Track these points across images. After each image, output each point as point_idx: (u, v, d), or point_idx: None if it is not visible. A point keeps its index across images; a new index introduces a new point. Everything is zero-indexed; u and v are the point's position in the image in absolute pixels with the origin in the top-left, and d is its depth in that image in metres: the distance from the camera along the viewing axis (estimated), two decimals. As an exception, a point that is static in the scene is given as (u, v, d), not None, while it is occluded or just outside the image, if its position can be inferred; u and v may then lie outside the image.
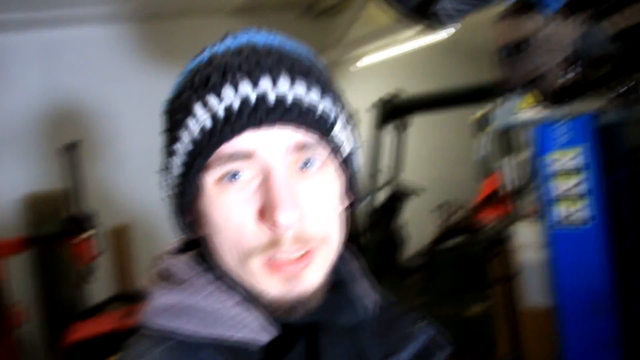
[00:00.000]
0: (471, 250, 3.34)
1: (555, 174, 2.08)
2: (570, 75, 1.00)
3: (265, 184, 0.55)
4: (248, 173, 0.56)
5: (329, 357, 0.57)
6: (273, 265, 0.56)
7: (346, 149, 0.62)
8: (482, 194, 4.39)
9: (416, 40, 5.41)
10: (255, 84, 0.54)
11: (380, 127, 4.28)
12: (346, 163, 0.62)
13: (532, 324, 2.45)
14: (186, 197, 0.60)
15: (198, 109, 0.55)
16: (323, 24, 6.35)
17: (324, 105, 0.58)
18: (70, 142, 3.76)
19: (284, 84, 0.55)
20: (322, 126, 0.57)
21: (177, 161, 0.59)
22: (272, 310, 0.58)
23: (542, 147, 2.08)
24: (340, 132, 0.60)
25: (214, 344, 0.58)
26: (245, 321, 0.58)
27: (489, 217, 4.22)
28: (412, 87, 5.89)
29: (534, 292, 2.38)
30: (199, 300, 0.59)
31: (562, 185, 2.06)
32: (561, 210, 2.10)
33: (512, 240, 2.45)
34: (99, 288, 3.76)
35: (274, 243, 0.55)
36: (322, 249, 0.59)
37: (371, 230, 4.27)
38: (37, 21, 4.37)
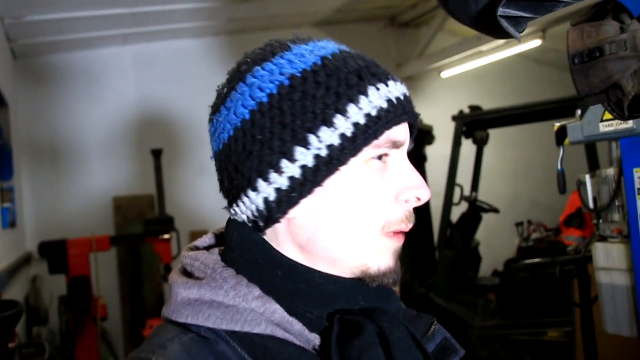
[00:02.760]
0: (550, 271, 3.16)
1: (643, 192, 1.93)
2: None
3: (404, 168, 0.63)
4: (391, 154, 0.63)
5: (395, 337, 0.59)
6: (397, 235, 0.63)
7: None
8: (565, 213, 4.16)
9: (502, 52, 5.26)
10: (401, 83, 0.64)
11: (459, 140, 4.17)
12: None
13: (613, 352, 2.27)
14: (323, 174, 0.59)
15: (372, 90, 0.60)
16: (406, 36, 6.33)
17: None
18: (155, 149, 3.99)
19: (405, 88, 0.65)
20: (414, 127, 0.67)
21: (332, 135, 0.58)
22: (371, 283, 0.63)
23: (629, 162, 1.95)
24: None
25: (234, 338, 0.59)
26: (265, 314, 0.58)
27: (572, 237, 3.99)
28: (498, 98, 5.72)
29: (617, 319, 2.21)
30: (219, 295, 0.60)
31: (650, 204, 1.91)
32: (649, 231, 1.94)
33: (595, 262, 2.29)
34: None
35: (407, 218, 0.63)
36: None
37: (446, 246, 4.16)
38: (133, 35, 4.70)
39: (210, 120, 0.67)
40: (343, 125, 0.58)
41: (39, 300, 3.78)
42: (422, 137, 4.45)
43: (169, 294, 0.66)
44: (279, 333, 0.59)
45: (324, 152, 0.58)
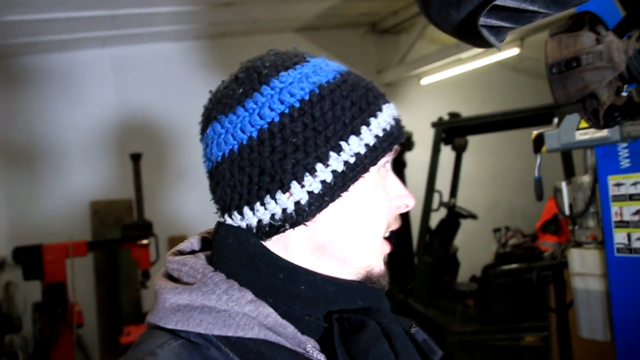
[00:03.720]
0: (527, 276, 3.21)
1: (617, 199, 1.98)
2: (622, 94, 0.96)
3: (393, 177, 0.72)
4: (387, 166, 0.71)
5: (396, 332, 0.61)
6: (387, 242, 0.71)
7: None
8: (542, 219, 4.23)
9: (481, 59, 5.34)
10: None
11: (438, 147, 4.21)
12: None
13: (588, 357, 2.31)
14: (350, 180, 0.64)
15: (386, 107, 0.68)
16: (387, 43, 6.39)
17: None
18: (134, 153, 3.94)
19: None
20: None
21: (359, 144, 0.64)
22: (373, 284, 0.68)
23: (603, 169, 1.99)
24: None
25: (226, 343, 0.59)
26: (258, 318, 0.59)
27: (548, 243, 4.05)
28: (477, 106, 5.79)
29: (592, 324, 2.25)
30: (212, 300, 0.59)
31: (624, 211, 1.96)
32: (623, 237, 1.99)
33: (570, 268, 2.34)
34: (155, 294, 3.90)
35: (396, 220, 0.71)
36: None
37: (425, 252, 4.19)
38: (113, 38, 4.65)
39: (215, 119, 0.66)
40: (368, 136, 0.64)
41: (12, 307, 3.69)
42: (402, 143, 4.48)
43: (153, 300, 0.64)
44: (272, 337, 0.59)
45: (352, 160, 0.63)
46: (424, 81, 6.12)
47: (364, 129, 0.64)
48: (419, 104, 6.13)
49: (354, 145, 0.63)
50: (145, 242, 3.66)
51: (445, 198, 4.44)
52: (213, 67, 5.03)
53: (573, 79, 1.14)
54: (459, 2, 0.74)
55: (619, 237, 2.03)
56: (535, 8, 0.75)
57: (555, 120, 1.99)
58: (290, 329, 0.59)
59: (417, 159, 4.74)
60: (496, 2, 0.72)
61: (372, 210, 0.66)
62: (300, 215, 0.62)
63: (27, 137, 4.47)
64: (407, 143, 4.52)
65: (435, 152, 4.21)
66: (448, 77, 5.93)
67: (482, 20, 0.79)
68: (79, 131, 4.64)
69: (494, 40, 0.85)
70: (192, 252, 0.70)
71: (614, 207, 2.01)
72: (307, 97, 0.62)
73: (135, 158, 3.94)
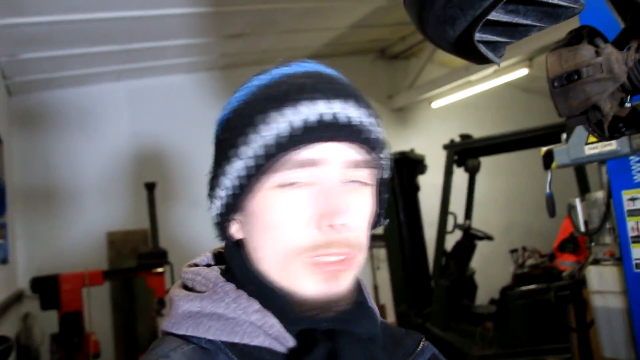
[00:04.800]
0: (546, 297, 3.15)
1: (633, 213, 1.95)
2: (626, 105, 0.96)
3: (325, 192, 0.62)
4: (307, 180, 0.62)
5: (346, 358, 0.59)
6: (318, 265, 0.61)
7: (384, 174, 0.69)
8: (559, 238, 4.17)
9: (491, 81, 5.36)
10: (329, 103, 0.61)
11: (450, 169, 4.20)
12: (381, 186, 0.69)
13: (612, 377, 2.24)
14: (241, 198, 0.63)
15: (274, 117, 0.61)
16: (396, 68, 6.45)
17: (378, 131, 0.66)
18: (148, 182, 3.99)
19: (351, 107, 0.63)
20: (376, 149, 0.65)
21: (240, 164, 0.62)
22: (304, 310, 0.61)
23: (617, 184, 1.97)
24: (385, 158, 0.67)
25: (233, 349, 0.61)
26: (264, 328, 0.61)
27: (567, 262, 3.98)
28: (488, 127, 5.78)
29: (614, 342, 2.19)
30: (221, 307, 0.62)
31: (640, 226, 1.92)
32: (640, 253, 1.95)
33: (589, 286, 2.29)
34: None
35: (324, 245, 0.61)
36: (358, 257, 0.64)
37: (441, 275, 4.14)
38: (127, 71, 4.76)
39: None
40: (249, 153, 0.62)
41: (31, 339, 3.71)
42: (414, 167, 4.48)
43: (169, 310, 0.66)
44: (276, 346, 0.61)
45: (237, 182, 0.63)
46: (435, 104, 6.15)
47: (253, 140, 0.62)
48: (430, 127, 6.14)
49: (238, 167, 0.63)
50: (160, 270, 3.68)
51: (460, 220, 4.40)
52: (225, 97, 4.99)
53: (575, 92, 1.14)
54: (453, 19, 0.75)
55: (637, 252, 1.99)
56: (528, 22, 0.76)
57: (564, 136, 1.99)
58: (291, 342, 0.61)
59: (431, 182, 4.72)
60: (490, 18, 0.73)
61: (270, 229, 0.63)
62: (219, 228, 0.68)
63: (44, 171, 4.56)
64: (419, 167, 4.52)
65: (448, 174, 4.19)
66: (458, 100, 5.95)
67: (478, 36, 0.80)
68: (95, 163, 4.72)
69: (492, 55, 0.86)
70: (207, 266, 0.72)
71: (630, 222, 1.98)
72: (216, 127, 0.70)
73: (150, 187, 3.99)
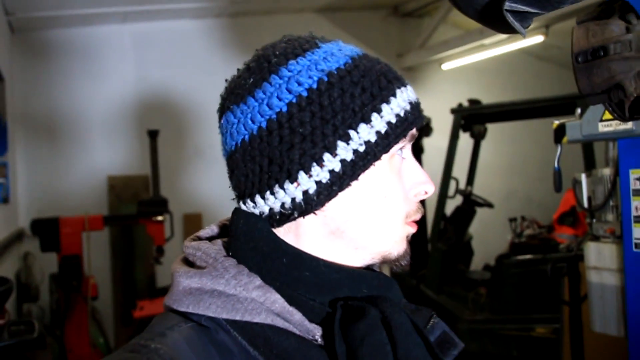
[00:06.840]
0: (541, 268, 3.18)
1: (638, 193, 1.93)
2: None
3: (413, 163, 0.69)
4: (408, 153, 0.69)
5: (397, 322, 0.60)
6: (413, 225, 0.69)
7: None
8: (558, 210, 4.18)
9: (504, 46, 5.24)
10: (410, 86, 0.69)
11: (456, 134, 4.16)
12: None
13: (600, 352, 2.29)
14: (363, 167, 0.62)
15: (400, 92, 0.65)
16: (408, 26, 6.30)
17: None
18: (151, 130, 3.96)
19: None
20: None
21: (367, 135, 0.62)
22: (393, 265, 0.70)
23: (626, 163, 1.94)
24: None
25: (235, 327, 0.60)
26: (266, 304, 0.59)
27: (565, 235, 4.00)
28: (498, 93, 5.70)
29: (605, 318, 2.22)
30: (221, 284, 0.61)
31: (644, 206, 1.91)
32: (641, 233, 1.95)
33: (586, 261, 2.30)
34: (169, 270, 3.95)
35: (418, 209, 0.69)
36: None
37: (439, 239, 4.17)
38: (133, 14, 4.64)
39: (229, 110, 0.66)
40: (379, 123, 0.62)
41: (30, 278, 3.77)
42: (420, 128, 4.43)
43: (168, 279, 0.66)
44: (279, 323, 0.60)
45: (362, 148, 0.62)
46: (445, 66, 6.04)
47: (374, 116, 0.62)
48: (439, 89, 6.05)
49: (364, 134, 0.62)
50: (160, 218, 3.69)
51: (462, 185, 4.40)
52: (233, 46, 5.01)
53: (599, 69, 1.10)
54: (486, -15, 0.71)
55: (638, 232, 1.99)
56: (563, -7, 0.72)
57: (578, 110, 1.95)
58: (297, 316, 0.60)
59: (435, 145, 4.69)
60: (523, -13, 0.69)
61: (384, 198, 0.65)
62: (309, 204, 0.62)
63: (47, 111, 4.52)
64: (425, 129, 4.47)
65: (454, 138, 4.16)
66: (470, 63, 5.84)
67: (508, 4, 0.76)
68: (98, 106, 4.67)
69: (518, 26, 0.82)
70: (212, 238, 0.70)
71: (635, 202, 1.97)
72: (315, 86, 0.62)
73: (153, 135, 3.96)
